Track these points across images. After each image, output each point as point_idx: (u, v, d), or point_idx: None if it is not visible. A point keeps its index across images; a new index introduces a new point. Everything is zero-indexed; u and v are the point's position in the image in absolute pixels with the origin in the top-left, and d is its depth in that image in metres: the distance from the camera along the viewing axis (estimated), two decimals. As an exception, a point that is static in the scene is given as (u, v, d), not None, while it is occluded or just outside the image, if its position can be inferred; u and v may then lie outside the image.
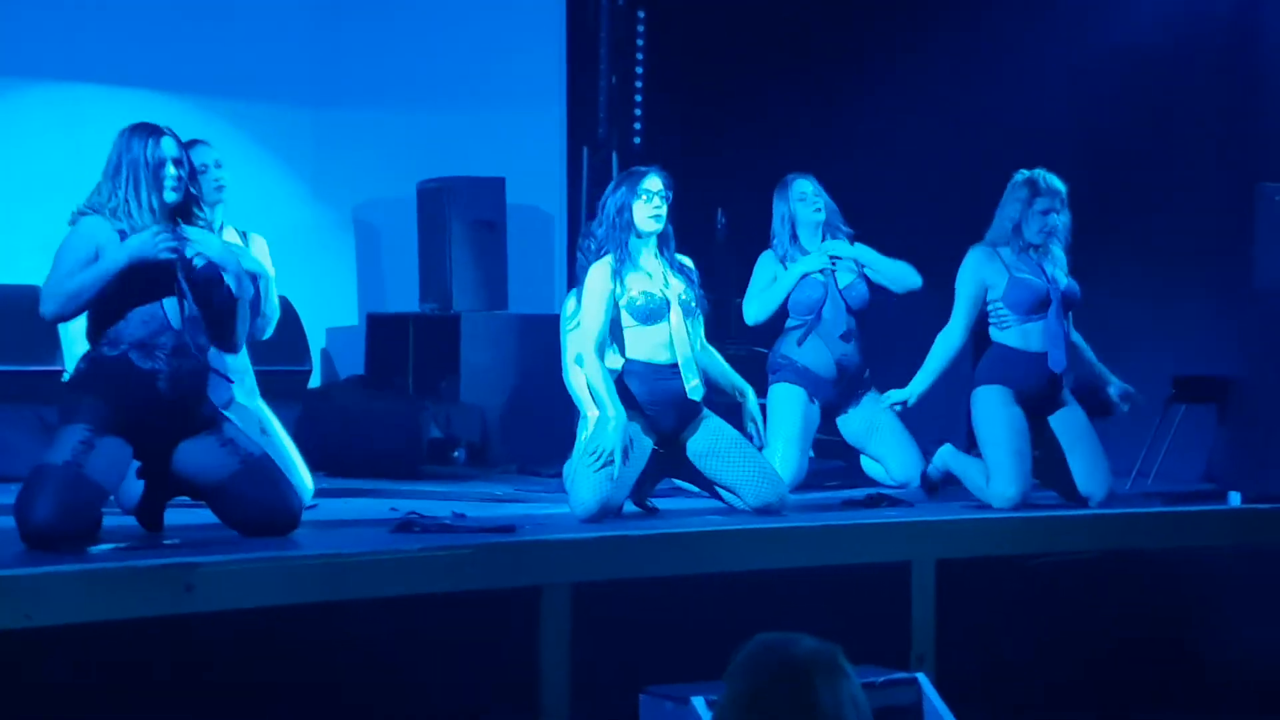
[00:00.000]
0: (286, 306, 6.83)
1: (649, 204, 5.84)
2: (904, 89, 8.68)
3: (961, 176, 8.01)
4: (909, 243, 7.21)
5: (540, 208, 9.41)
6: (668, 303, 5.82)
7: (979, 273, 6.28)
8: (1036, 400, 6.25)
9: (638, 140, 9.19)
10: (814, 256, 6.86)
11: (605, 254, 5.86)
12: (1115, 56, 7.97)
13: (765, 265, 6.93)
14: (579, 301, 5.97)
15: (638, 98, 9.22)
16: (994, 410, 6.22)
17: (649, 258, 5.90)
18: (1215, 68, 7.79)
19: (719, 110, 9.20)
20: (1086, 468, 6.27)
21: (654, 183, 5.87)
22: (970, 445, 6.42)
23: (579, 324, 5.95)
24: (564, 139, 9.35)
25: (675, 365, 5.83)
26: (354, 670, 4.65)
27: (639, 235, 5.87)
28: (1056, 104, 8.15)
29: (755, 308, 6.88)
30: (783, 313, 6.88)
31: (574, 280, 6.66)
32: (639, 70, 9.22)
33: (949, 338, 6.31)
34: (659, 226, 5.87)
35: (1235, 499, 6.37)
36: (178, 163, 5.02)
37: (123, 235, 4.94)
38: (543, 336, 8.06)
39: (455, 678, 4.80)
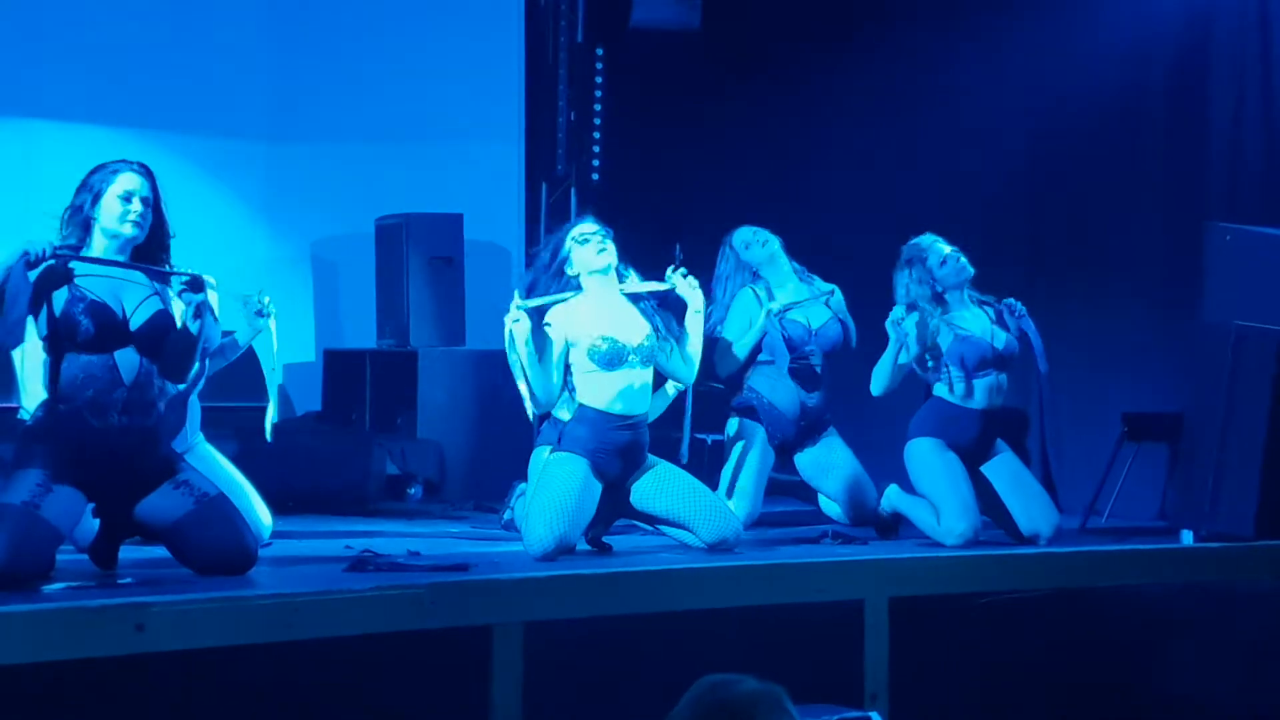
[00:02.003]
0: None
1: (588, 245, 5.87)
2: (858, 127, 8.74)
3: (914, 215, 8.05)
4: (860, 278, 7.25)
5: (498, 243, 9.41)
6: (628, 350, 5.83)
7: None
8: (968, 452, 6.33)
9: (596, 176, 9.23)
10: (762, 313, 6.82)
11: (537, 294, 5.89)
12: (1066, 97, 8.04)
13: (744, 306, 6.85)
14: None
15: (596, 134, 9.26)
16: (928, 456, 6.30)
17: (613, 298, 5.91)
18: (1164, 108, 7.87)
19: (677, 147, 9.24)
20: (1025, 509, 6.32)
21: (586, 226, 5.90)
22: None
23: None
24: (522, 175, 9.38)
25: (626, 417, 5.83)
26: (306, 711, 4.64)
27: (590, 273, 5.89)
28: (1008, 144, 8.22)
29: (730, 361, 6.79)
30: (754, 353, 6.87)
31: None
32: (597, 107, 9.26)
33: None
34: (613, 259, 5.89)
35: (1187, 538, 6.40)
36: (144, 200, 5.03)
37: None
38: (500, 372, 8.01)
39: (407, 717, 4.79)
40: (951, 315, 6.36)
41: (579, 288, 5.93)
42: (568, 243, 5.92)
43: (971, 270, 6.39)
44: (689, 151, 9.23)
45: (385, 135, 9.20)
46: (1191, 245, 6.90)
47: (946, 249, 6.39)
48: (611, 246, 5.91)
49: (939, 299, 6.34)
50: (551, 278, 5.92)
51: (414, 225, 8.75)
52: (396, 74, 9.22)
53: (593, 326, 5.82)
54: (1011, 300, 6.42)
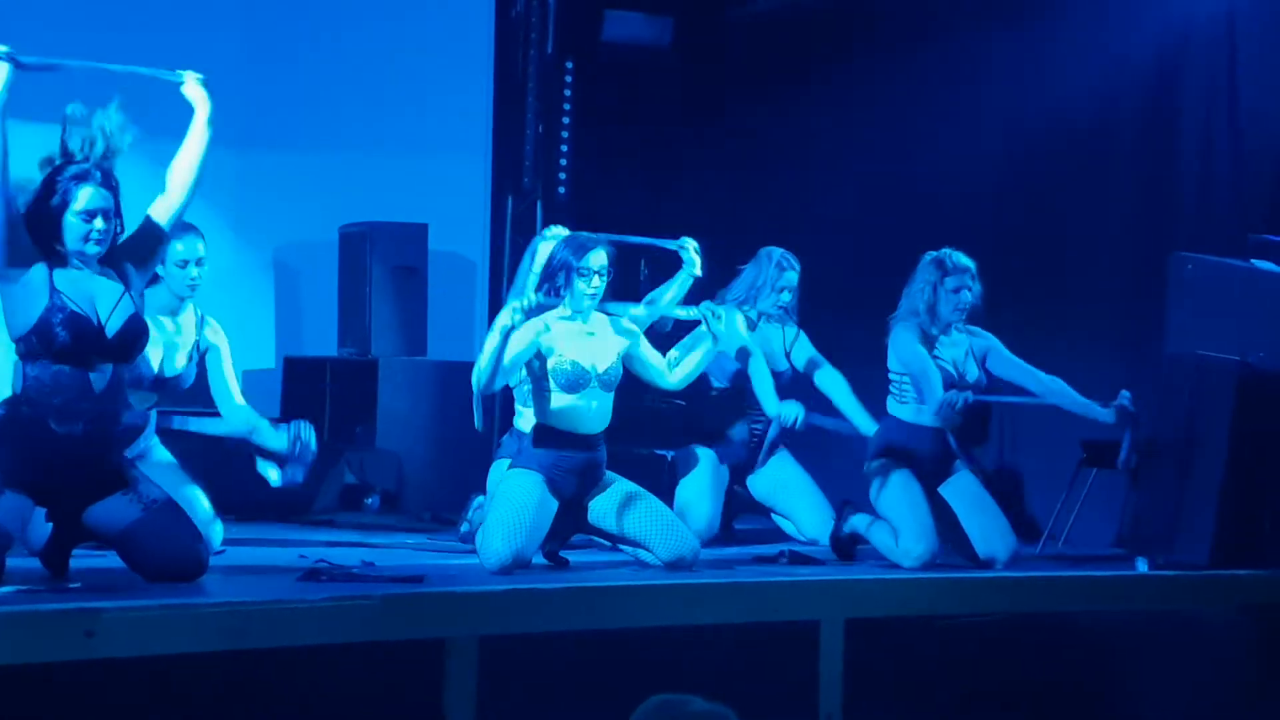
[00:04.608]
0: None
1: (587, 281, 5.83)
2: (827, 148, 8.75)
3: (883, 241, 8.07)
4: (827, 307, 7.26)
5: (463, 254, 9.40)
6: (591, 376, 5.80)
7: (919, 342, 6.32)
8: (926, 470, 6.34)
9: (562, 190, 9.21)
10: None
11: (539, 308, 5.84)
12: (1037, 127, 8.06)
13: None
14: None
15: (563, 148, 9.25)
16: (886, 477, 6.32)
17: (589, 323, 5.88)
18: (1133, 139, 7.89)
19: (644, 162, 9.24)
20: (983, 532, 6.34)
21: (597, 259, 5.85)
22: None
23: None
24: (489, 187, 9.37)
25: (585, 437, 5.81)
26: (256, 721, 4.61)
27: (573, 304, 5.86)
28: (978, 172, 8.24)
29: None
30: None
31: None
32: (566, 120, 9.25)
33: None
34: (592, 305, 5.86)
35: (1143, 565, 6.42)
36: (105, 214, 4.97)
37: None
38: (462, 384, 7.97)
39: (358, 730, 4.77)
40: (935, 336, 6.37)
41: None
42: (573, 272, 5.86)
43: (961, 316, 6.38)
44: (656, 167, 9.23)
45: (352, 144, 9.18)
46: (1156, 274, 6.93)
47: (969, 283, 6.36)
48: (603, 287, 5.87)
49: (932, 311, 6.32)
50: (544, 282, 5.89)
51: (378, 234, 8.73)
52: (365, 83, 9.20)
53: (563, 346, 5.80)
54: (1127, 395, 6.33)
